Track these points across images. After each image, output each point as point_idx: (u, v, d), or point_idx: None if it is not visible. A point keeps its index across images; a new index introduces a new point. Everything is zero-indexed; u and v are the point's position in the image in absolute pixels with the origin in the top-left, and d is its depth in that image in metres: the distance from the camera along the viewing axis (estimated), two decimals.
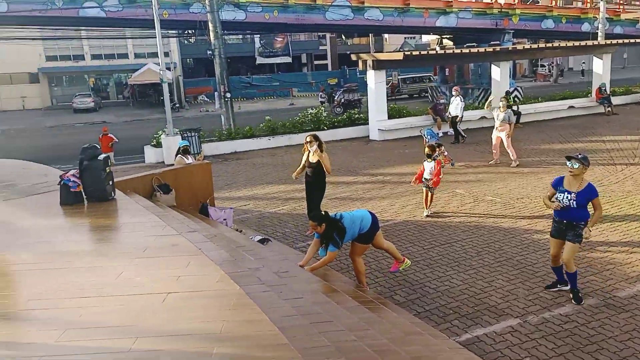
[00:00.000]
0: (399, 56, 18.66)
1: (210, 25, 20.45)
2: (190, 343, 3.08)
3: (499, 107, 12.81)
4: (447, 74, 34.96)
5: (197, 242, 5.11)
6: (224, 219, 8.48)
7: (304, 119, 19.19)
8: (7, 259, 4.82)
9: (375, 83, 18.29)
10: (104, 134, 16.55)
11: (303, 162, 8.53)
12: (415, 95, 36.46)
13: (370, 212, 6.07)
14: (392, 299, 5.99)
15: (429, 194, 9.18)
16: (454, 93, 16.96)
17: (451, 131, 17.07)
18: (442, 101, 20.00)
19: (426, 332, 4.53)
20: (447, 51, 21.85)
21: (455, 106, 16.43)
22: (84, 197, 6.49)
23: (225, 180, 13.23)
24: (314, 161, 8.30)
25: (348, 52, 34.40)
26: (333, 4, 27.58)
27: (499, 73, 20.10)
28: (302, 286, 5.01)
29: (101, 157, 6.57)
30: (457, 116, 16.38)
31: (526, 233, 8.09)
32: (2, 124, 32.97)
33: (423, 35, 49.41)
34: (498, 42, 30.00)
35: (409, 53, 19.44)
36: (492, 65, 20.59)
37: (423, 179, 9.15)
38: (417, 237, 8.13)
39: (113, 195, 6.68)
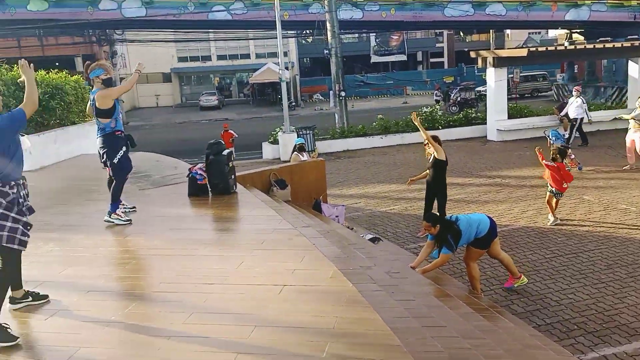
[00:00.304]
0: (523, 52, 17.71)
1: (328, 24, 20.84)
2: (305, 336, 3.15)
3: (637, 107, 11.67)
4: (576, 71, 32.54)
5: (311, 237, 5.22)
6: (336, 216, 8.59)
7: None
8: (141, 244, 5.27)
9: (495, 81, 17.51)
10: (225, 130, 17.52)
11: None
12: (527, 95, 34.06)
13: (489, 217, 5.82)
14: (508, 309, 5.70)
15: (554, 199, 8.57)
16: (574, 94, 15.69)
17: (576, 134, 15.85)
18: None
19: (547, 346, 4.24)
20: (578, 47, 20.33)
21: (575, 108, 15.20)
22: (209, 189, 6.91)
23: (338, 177, 13.40)
24: (431, 161, 8.11)
25: (466, 49, 33.17)
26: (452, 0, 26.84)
27: (637, 70, 18.31)
28: (413, 288, 4.92)
29: (225, 152, 6.94)
30: (577, 119, 15.16)
31: None
32: (138, 119, 36.21)
33: (549, 30, 46.38)
34: (637, 36, 27.29)
35: (534, 49, 18.38)
36: (630, 62, 18.80)
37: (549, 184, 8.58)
38: (538, 245, 7.65)
39: (235, 188, 7.03)
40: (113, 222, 5.73)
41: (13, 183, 3.40)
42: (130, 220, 5.80)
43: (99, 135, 5.75)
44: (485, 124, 18.31)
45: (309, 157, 10.71)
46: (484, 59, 17.92)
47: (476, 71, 40.82)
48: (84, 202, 7.23)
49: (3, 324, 3.18)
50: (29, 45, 32.16)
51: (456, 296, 5.01)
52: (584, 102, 15.47)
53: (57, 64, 18.28)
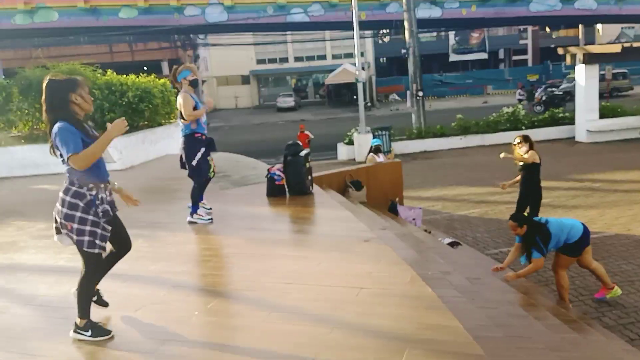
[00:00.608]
0: (617, 49, 16.61)
1: (405, 23, 20.58)
2: (383, 340, 3.11)
3: None
4: None
5: (388, 240, 5.16)
6: (413, 219, 8.45)
7: (499, 118, 18.22)
8: (222, 242, 5.44)
9: (586, 79, 16.55)
10: (301, 131, 17.75)
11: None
12: (605, 95, 31.40)
13: (583, 224, 5.50)
14: (599, 321, 5.34)
15: None
16: None
17: None
18: None
19: None
20: None
21: None
22: (287, 189, 7.02)
23: (414, 179, 13.18)
24: (522, 164, 7.70)
25: (552, 46, 31.60)
26: None
27: None
28: (495, 295, 4.74)
29: (302, 153, 7.02)
30: None
31: None
32: (218, 120, 37.51)
33: None
34: None
35: (628, 45, 17.18)
36: None
37: None
38: (633, 254, 7.12)
39: (311, 189, 7.10)
40: (196, 222, 5.93)
41: (91, 185, 3.25)
42: (211, 219, 5.98)
43: (180, 136, 5.98)
44: (573, 124, 17.35)
45: (385, 159, 10.60)
46: (573, 56, 16.99)
47: (563, 68, 38.79)
48: (169, 200, 7.57)
49: (98, 323, 3.35)
50: (120, 51, 34.25)
51: (542, 306, 4.77)
52: None
53: (145, 68, 19.34)
